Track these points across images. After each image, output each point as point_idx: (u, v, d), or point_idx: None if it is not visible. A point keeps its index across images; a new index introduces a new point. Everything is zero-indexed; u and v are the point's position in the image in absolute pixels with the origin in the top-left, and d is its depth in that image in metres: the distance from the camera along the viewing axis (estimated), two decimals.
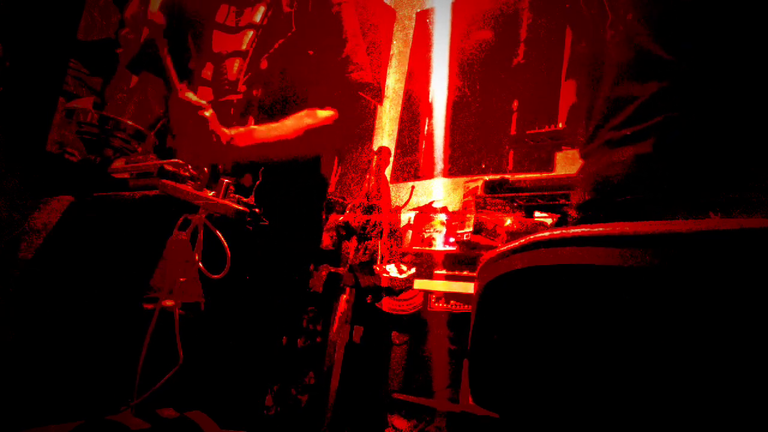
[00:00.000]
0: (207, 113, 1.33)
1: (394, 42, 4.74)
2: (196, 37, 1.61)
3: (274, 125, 1.49)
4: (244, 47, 1.55)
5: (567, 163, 3.48)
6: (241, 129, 1.43)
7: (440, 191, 3.88)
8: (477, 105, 4.09)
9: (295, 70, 1.57)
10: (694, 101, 0.89)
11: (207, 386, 1.37)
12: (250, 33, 1.56)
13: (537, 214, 2.68)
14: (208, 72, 1.55)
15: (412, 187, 3.59)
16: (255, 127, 1.47)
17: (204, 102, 1.36)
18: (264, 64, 1.53)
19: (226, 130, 1.39)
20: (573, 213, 1.05)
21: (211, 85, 1.54)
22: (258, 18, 1.57)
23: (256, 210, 1.18)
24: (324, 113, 1.57)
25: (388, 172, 3.42)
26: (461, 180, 3.80)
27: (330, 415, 2.40)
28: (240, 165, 1.44)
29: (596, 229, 0.58)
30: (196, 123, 1.32)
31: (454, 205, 3.46)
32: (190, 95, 1.33)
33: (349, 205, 2.92)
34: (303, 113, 1.54)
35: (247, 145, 1.42)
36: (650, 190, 0.90)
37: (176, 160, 1.16)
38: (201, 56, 1.58)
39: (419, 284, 2.76)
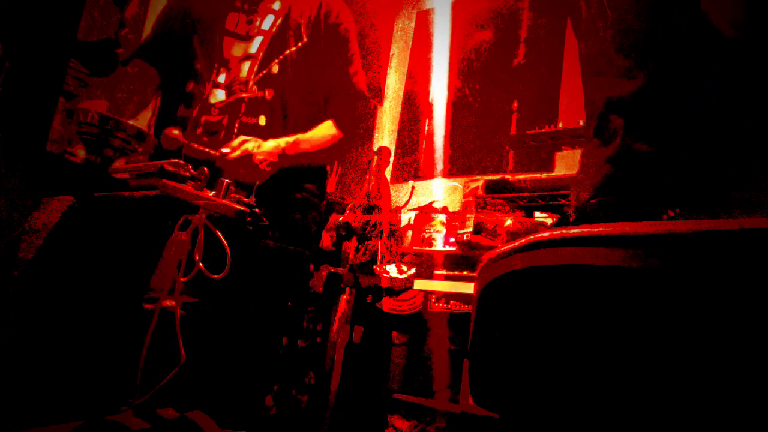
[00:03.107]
0: (247, 146, 1.45)
1: (394, 42, 4.73)
2: (202, 41, 1.65)
3: (310, 134, 1.62)
4: (254, 51, 1.62)
5: (567, 163, 3.48)
6: (290, 139, 1.55)
7: (440, 191, 3.88)
8: (477, 105, 4.09)
9: (309, 78, 1.67)
10: (682, 99, 0.90)
11: (207, 386, 1.37)
12: (260, 38, 1.63)
13: (537, 214, 2.68)
14: (221, 76, 1.61)
15: (412, 187, 3.59)
16: (302, 136, 1.59)
17: (236, 143, 1.46)
18: (275, 69, 1.62)
19: (276, 143, 1.50)
20: (573, 209, 1.06)
21: (223, 87, 1.60)
22: (267, 26, 1.66)
23: (256, 210, 1.18)
24: (334, 130, 1.71)
25: (388, 172, 3.42)
26: (461, 180, 3.81)
27: (330, 415, 2.40)
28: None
29: (596, 230, 0.58)
30: (243, 162, 1.44)
31: (454, 205, 3.46)
32: (224, 150, 1.44)
33: (349, 205, 2.92)
34: (327, 124, 1.68)
35: (297, 153, 1.56)
36: (620, 192, 0.90)
37: (176, 160, 1.16)
38: (212, 61, 1.62)
39: (419, 284, 2.76)
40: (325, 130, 1.68)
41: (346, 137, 1.74)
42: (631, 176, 0.89)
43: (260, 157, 1.44)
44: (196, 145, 1.39)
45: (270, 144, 1.49)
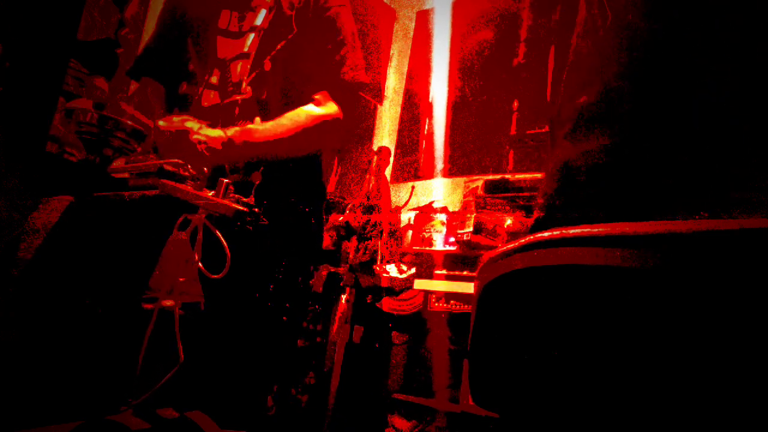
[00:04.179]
0: (188, 124, 1.32)
1: (394, 42, 4.73)
2: (196, 41, 1.63)
3: (270, 123, 1.49)
4: (246, 49, 1.57)
5: None
6: (238, 128, 1.42)
7: (440, 191, 3.88)
8: (477, 105, 4.09)
9: (296, 70, 1.59)
10: (681, 95, 0.89)
11: (207, 386, 1.37)
12: (252, 35, 1.58)
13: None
14: (214, 77, 1.57)
15: (412, 187, 3.59)
16: (252, 126, 1.46)
17: (177, 120, 1.33)
18: (268, 66, 1.55)
19: (221, 132, 1.38)
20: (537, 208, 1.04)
21: (217, 88, 1.56)
22: (259, 21, 1.60)
23: (256, 210, 1.18)
24: (321, 110, 1.56)
25: (388, 172, 3.42)
26: (461, 180, 3.81)
27: (330, 415, 2.40)
28: (250, 164, 1.47)
29: (596, 230, 0.58)
30: (178, 138, 1.30)
31: (454, 205, 3.46)
32: (161, 122, 1.31)
33: (349, 205, 2.92)
34: (299, 110, 1.54)
35: (247, 143, 1.41)
36: (620, 182, 0.89)
37: (176, 159, 1.16)
38: (206, 61, 1.59)
39: (419, 284, 2.76)
40: (304, 112, 1.53)
41: (337, 121, 1.57)
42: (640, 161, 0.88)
43: (197, 137, 1.31)
44: (124, 105, 1.25)
45: (215, 131, 1.36)
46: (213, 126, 1.49)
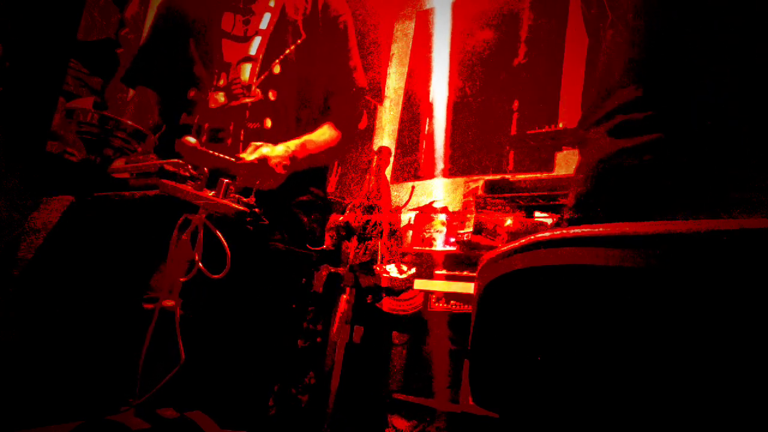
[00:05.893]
0: (263, 151, 1.43)
1: (394, 42, 4.74)
2: (198, 44, 1.63)
3: (311, 137, 1.60)
4: (253, 53, 1.60)
5: (567, 163, 3.49)
6: (297, 142, 1.54)
7: (440, 191, 3.88)
8: (477, 105, 4.09)
9: (310, 76, 1.66)
10: (698, 101, 0.89)
11: (207, 386, 1.37)
12: (258, 39, 1.61)
13: (537, 214, 2.68)
14: (221, 80, 1.60)
15: (412, 187, 3.59)
16: (306, 137, 1.58)
17: (252, 150, 1.44)
18: (277, 69, 1.60)
19: (285, 148, 1.48)
20: (568, 209, 1.04)
21: (224, 90, 1.58)
22: (264, 25, 1.64)
23: (257, 210, 1.18)
24: (335, 131, 1.69)
25: (388, 172, 3.42)
26: (461, 180, 3.81)
27: (330, 415, 2.40)
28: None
29: (596, 230, 0.58)
30: (261, 166, 1.42)
31: (454, 205, 3.46)
32: (246, 156, 1.42)
33: (349, 205, 2.92)
34: (328, 126, 1.67)
35: (305, 156, 1.55)
36: (664, 181, 0.89)
37: (176, 159, 1.16)
38: (211, 65, 1.61)
39: (419, 284, 2.76)
40: (328, 130, 1.67)
41: (346, 137, 1.72)
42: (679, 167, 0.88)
43: (275, 161, 1.43)
44: (214, 153, 1.36)
45: (281, 148, 1.48)
46: (254, 121, 1.56)
